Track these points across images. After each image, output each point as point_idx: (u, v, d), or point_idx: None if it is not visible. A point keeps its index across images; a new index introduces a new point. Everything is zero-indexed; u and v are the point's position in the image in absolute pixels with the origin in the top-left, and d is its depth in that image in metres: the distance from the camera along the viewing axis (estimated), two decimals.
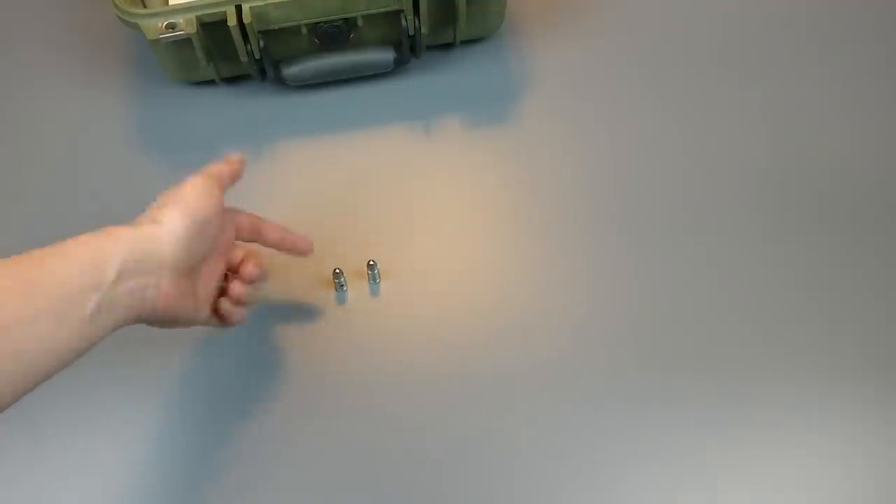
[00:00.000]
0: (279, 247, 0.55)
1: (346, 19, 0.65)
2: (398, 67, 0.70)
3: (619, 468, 0.53)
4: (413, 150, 0.68)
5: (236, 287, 0.53)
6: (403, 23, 0.66)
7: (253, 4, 0.62)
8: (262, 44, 0.64)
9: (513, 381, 0.57)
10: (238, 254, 0.54)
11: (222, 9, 0.62)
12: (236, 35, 0.63)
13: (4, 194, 0.66)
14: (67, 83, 0.72)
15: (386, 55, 0.68)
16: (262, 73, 0.68)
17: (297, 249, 0.56)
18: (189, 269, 0.47)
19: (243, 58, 0.65)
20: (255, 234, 0.54)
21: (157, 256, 0.44)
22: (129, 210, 0.64)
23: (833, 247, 0.62)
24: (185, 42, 0.63)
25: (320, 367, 0.57)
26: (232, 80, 0.71)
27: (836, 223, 0.63)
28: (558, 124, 0.69)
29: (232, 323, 0.53)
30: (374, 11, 0.65)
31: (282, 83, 0.69)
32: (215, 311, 0.53)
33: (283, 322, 0.59)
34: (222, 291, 0.53)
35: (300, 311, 0.60)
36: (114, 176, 0.67)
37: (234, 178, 0.52)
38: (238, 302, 0.53)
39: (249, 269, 0.53)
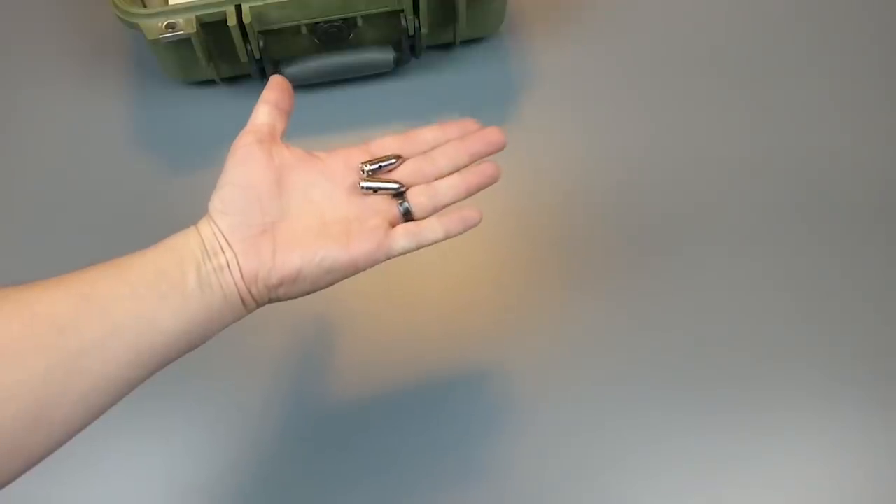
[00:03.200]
0: (442, 139, 0.47)
1: (345, 19, 0.65)
2: (398, 67, 0.70)
3: (620, 471, 0.53)
4: None
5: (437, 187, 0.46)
6: (403, 23, 0.66)
7: (253, 4, 0.62)
8: (262, 44, 0.64)
9: (512, 381, 0.57)
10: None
11: (222, 9, 0.62)
12: (236, 35, 0.63)
13: (4, 194, 0.66)
14: (67, 83, 0.72)
15: (386, 55, 0.68)
16: (262, 73, 0.68)
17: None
18: (265, 227, 0.42)
19: (243, 58, 0.65)
20: (406, 150, 0.46)
21: (218, 236, 0.42)
22: (130, 210, 0.65)
23: (832, 249, 0.62)
24: (185, 42, 0.63)
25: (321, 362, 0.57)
26: (232, 80, 0.71)
27: (835, 225, 0.63)
28: (558, 124, 0.69)
29: (426, 236, 0.45)
30: (374, 11, 0.65)
31: None
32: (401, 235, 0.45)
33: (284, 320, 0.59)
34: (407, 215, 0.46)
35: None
36: (114, 176, 0.67)
37: (281, 105, 0.46)
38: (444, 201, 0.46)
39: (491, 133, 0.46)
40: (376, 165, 0.46)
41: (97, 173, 0.67)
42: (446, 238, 0.45)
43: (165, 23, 0.62)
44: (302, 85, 0.69)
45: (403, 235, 0.45)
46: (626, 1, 0.76)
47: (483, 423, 0.55)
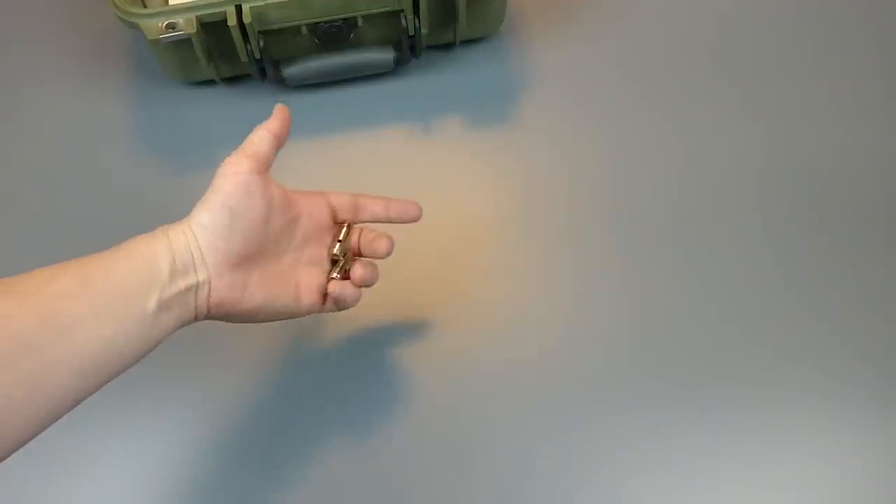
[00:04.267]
0: (384, 218, 0.52)
1: (346, 19, 0.65)
2: (398, 67, 0.70)
3: (620, 472, 0.53)
4: (413, 150, 0.68)
5: (357, 270, 0.50)
6: (403, 23, 0.66)
7: (253, 4, 0.62)
8: (262, 44, 0.64)
9: (512, 382, 0.57)
10: (353, 236, 0.52)
11: (222, 9, 0.62)
12: (236, 35, 0.63)
13: (4, 194, 0.66)
14: (67, 83, 0.72)
15: (386, 55, 0.68)
16: (262, 73, 0.68)
17: (407, 216, 0.52)
18: (241, 260, 0.44)
19: (243, 58, 0.65)
20: (355, 212, 0.51)
21: (195, 252, 0.42)
22: (130, 210, 0.65)
23: (831, 249, 0.62)
24: (185, 42, 0.63)
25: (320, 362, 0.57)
26: (232, 80, 0.71)
27: (835, 225, 0.63)
28: (558, 124, 0.69)
29: (347, 306, 0.51)
30: (374, 11, 0.65)
31: (282, 83, 0.69)
32: (326, 296, 0.50)
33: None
34: (345, 275, 0.51)
35: None
36: (114, 176, 0.67)
37: (280, 139, 0.48)
38: (363, 283, 0.51)
39: (384, 244, 0.51)
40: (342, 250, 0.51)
41: (97, 173, 0.67)
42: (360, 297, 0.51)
43: (165, 23, 0.62)
44: (302, 85, 0.69)
45: (330, 306, 0.50)
46: (627, 1, 0.76)
47: (480, 422, 0.55)
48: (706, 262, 0.61)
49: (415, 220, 0.53)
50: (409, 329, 0.59)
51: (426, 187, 0.66)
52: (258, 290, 0.45)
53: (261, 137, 0.46)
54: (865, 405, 0.55)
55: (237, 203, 0.43)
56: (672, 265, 0.61)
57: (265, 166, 0.46)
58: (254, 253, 0.45)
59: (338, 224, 0.51)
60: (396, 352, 0.58)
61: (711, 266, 0.61)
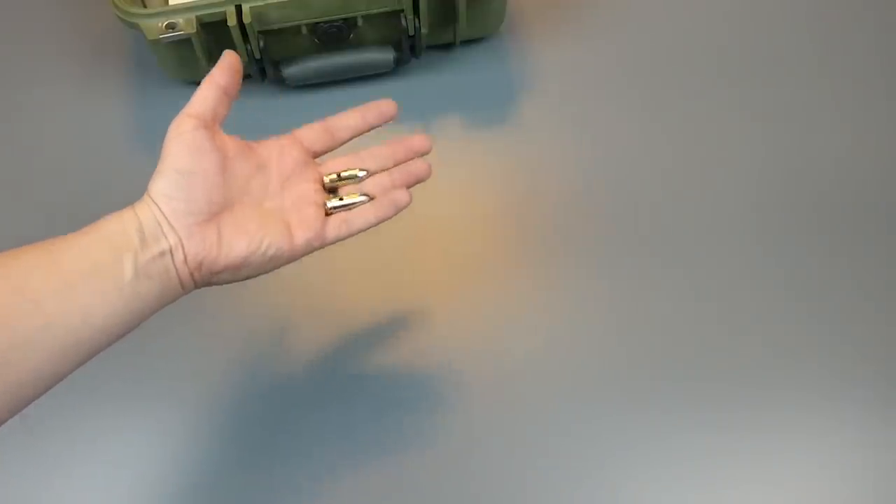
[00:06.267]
0: (364, 127, 0.50)
1: (346, 19, 0.65)
2: (398, 67, 0.70)
3: (619, 469, 0.53)
4: None
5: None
6: (403, 23, 0.66)
7: (253, 4, 0.62)
8: (262, 44, 0.64)
9: (511, 382, 0.57)
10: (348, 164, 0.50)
11: (222, 9, 0.62)
12: (236, 35, 0.63)
13: (4, 194, 0.66)
14: (67, 83, 0.72)
15: (386, 55, 0.68)
16: (262, 73, 0.68)
17: (385, 116, 0.50)
18: (209, 216, 0.43)
19: (243, 58, 0.65)
20: (329, 136, 0.49)
21: (160, 219, 0.42)
22: None
23: (832, 249, 0.62)
24: (185, 42, 0.63)
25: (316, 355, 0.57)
26: None
27: (836, 225, 0.63)
28: (558, 124, 0.69)
29: (358, 227, 0.48)
30: (374, 11, 0.65)
31: (282, 83, 0.69)
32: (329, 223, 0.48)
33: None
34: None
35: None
36: (114, 175, 0.67)
37: (228, 89, 0.45)
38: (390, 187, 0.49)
39: (421, 165, 0.50)
40: (341, 204, 0.48)
41: (97, 173, 0.67)
42: (378, 222, 0.48)
43: (165, 23, 0.62)
44: (302, 85, 0.69)
45: (336, 225, 0.47)
46: (627, 1, 0.76)
47: (479, 422, 0.55)
48: (706, 261, 0.61)
49: (392, 116, 0.50)
50: (406, 326, 0.59)
51: (426, 187, 0.66)
52: (237, 239, 0.44)
53: (204, 94, 0.45)
54: (865, 405, 0.55)
55: (186, 163, 0.43)
56: (672, 264, 0.61)
57: (212, 121, 0.45)
58: (221, 205, 0.44)
59: (317, 156, 0.50)
60: (393, 349, 0.58)
61: (712, 265, 0.61)
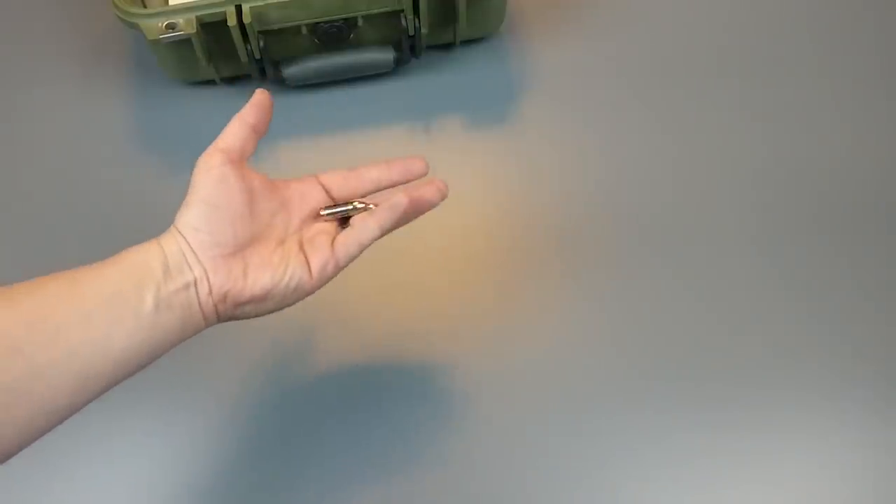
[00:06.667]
0: (386, 182, 0.50)
1: (346, 19, 0.65)
2: (398, 67, 0.70)
3: (620, 472, 0.53)
4: (413, 150, 0.68)
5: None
6: (403, 23, 0.66)
7: (253, 4, 0.62)
8: (262, 44, 0.64)
9: (511, 382, 0.57)
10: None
11: (222, 9, 0.62)
12: (236, 35, 0.63)
13: (4, 194, 0.66)
14: (67, 83, 0.72)
15: (386, 55, 0.68)
16: (262, 73, 0.68)
17: (412, 173, 0.50)
18: (235, 249, 0.43)
19: (243, 58, 0.65)
20: (351, 185, 0.49)
21: (186, 251, 0.42)
22: (129, 210, 0.65)
23: (833, 249, 0.62)
24: (185, 42, 0.63)
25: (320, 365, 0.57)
26: (232, 80, 0.71)
27: (836, 225, 0.63)
28: (558, 124, 0.69)
29: (354, 250, 0.47)
30: (375, 11, 0.65)
31: (282, 83, 0.69)
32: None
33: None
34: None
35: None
36: (114, 176, 0.67)
37: (257, 127, 0.46)
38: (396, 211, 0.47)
39: (431, 189, 0.48)
40: (334, 210, 0.48)
41: (97, 173, 0.67)
42: (382, 234, 0.47)
43: (165, 23, 0.62)
44: (302, 85, 0.69)
45: (343, 244, 0.47)
46: (627, 1, 0.76)
47: (479, 422, 0.55)
48: (706, 261, 0.61)
49: (422, 174, 0.50)
50: (407, 330, 0.59)
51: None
52: (261, 272, 0.44)
53: (234, 130, 0.46)
54: (865, 405, 0.55)
55: (215, 197, 0.43)
56: (672, 265, 0.61)
57: (239, 157, 0.45)
58: (247, 240, 0.44)
59: (337, 202, 0.50)
60: (396, 354, 0.58)
61: (711, 265, 0.61)
